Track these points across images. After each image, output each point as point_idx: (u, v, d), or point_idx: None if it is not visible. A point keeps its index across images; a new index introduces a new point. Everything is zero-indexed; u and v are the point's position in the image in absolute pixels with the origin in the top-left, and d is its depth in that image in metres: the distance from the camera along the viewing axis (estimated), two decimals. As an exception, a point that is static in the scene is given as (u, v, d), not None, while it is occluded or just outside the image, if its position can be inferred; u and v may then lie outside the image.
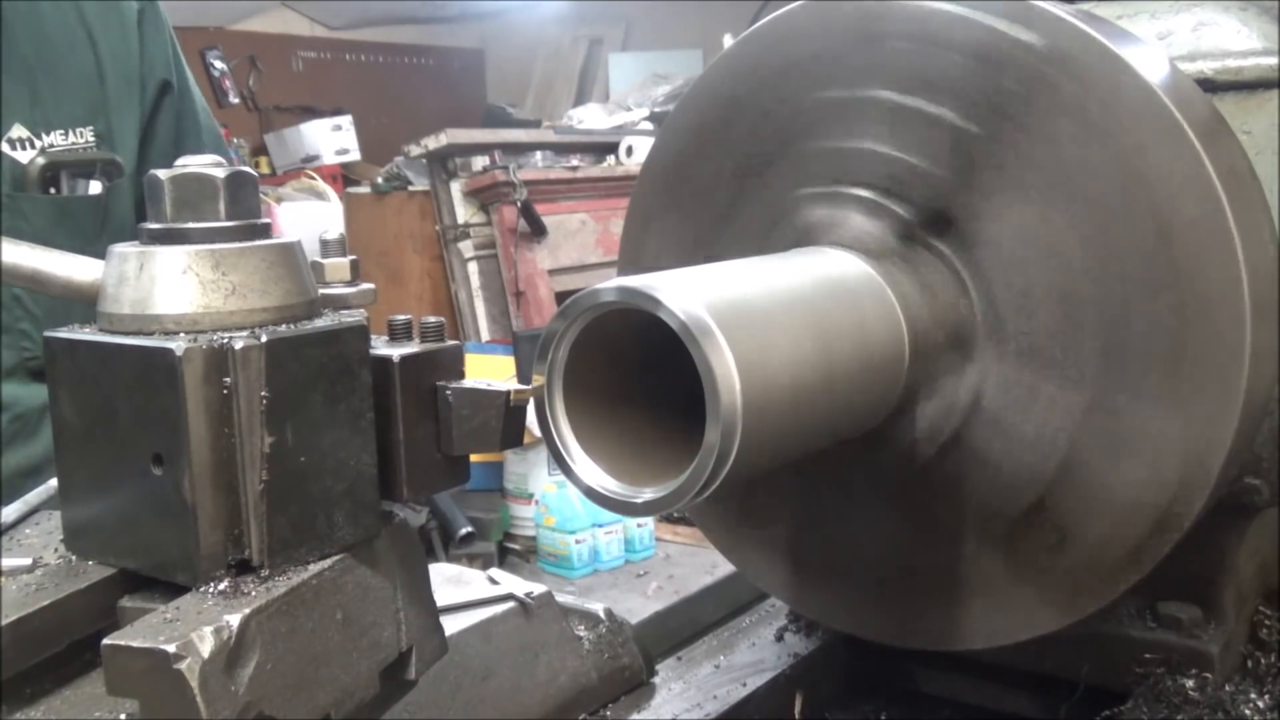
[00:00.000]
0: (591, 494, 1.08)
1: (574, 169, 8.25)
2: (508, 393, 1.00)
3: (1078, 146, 1.23)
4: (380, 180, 8.59)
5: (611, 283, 1.04)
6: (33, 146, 1.98)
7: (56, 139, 2.02)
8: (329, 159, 10.19)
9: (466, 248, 7.94)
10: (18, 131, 1.98)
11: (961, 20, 1.28)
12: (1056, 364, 1.27)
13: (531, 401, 1.03)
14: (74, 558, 0.96)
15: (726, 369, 0.99)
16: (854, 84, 1.36)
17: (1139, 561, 1.27)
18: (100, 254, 2.08)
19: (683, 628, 1.96)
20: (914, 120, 1.32)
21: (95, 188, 2.05)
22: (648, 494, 1.05)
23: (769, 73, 1.43)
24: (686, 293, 1.02)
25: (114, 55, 2.09)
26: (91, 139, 2.06)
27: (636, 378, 1.13)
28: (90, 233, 2.04)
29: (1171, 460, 1.23)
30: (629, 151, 8.41)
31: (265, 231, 0.95)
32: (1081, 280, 1.25)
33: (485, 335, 7.87)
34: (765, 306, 1.11)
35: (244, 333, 0.88)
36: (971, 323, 1.31)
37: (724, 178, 1.48)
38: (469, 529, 6.42)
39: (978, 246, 1.30)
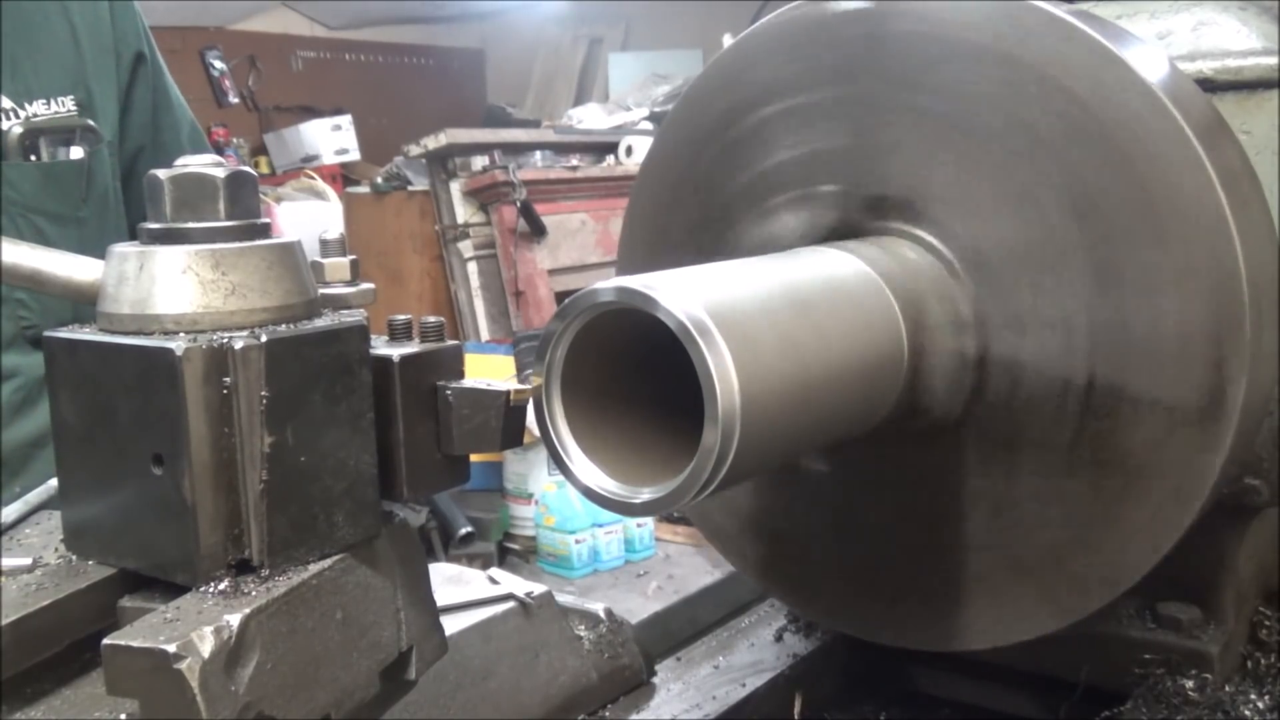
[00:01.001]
0: (590, 494, 1.08)
1: (574, 169, 8.25)
2: (508, 393, 1.00)
3: (1084, 155, 1.23)
4: (380, 180, 8.59)
5: (609, 283, 1.04)
6: (16, 117, 2.01)
7: (39, 109, 2.04)
8: (329, 159, 10.18)
9: (466, 248, 7.95)
10: (3, 102, 2.00)
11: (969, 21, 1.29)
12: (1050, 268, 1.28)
13: (531, 401, 1.03)
14: (74, 558, 0.96)
15: (725, 369, 0.99)
16: (823, 85, 1.39)
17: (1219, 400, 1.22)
18: (87, 218, 2.11)
19: (682, 628, 1.96)
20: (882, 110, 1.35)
21: (77, 153, 2.08)
22: (646, 494, 1.05)
23: (753, 78, 1.44)
24: (684, 293, 1.02)
25: (87, 24, 2.13)
26: (73, 108, 2.09)
27: (635, 378, 1.13)
28: (76, 197, 2.08)
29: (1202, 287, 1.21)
30: (629, 151, 8.41)
31: (265, 231, 0.95)
32: (1075, 276, 1.25)
33: (485, 335, 7.87)
34: (763, 306, 1.11)
35: (244, 333, 0.88)
36: (955, 277, 1.32)
37: (721, 179, 1.48)
38: (469, 529, 6.42)
39: (932, 219, 1.33)
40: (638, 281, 1.03)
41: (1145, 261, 1.22)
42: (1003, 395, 1.31)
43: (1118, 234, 1.23)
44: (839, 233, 1.39)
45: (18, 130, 2.00)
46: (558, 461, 1.08)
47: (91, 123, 2.10)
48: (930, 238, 1.33)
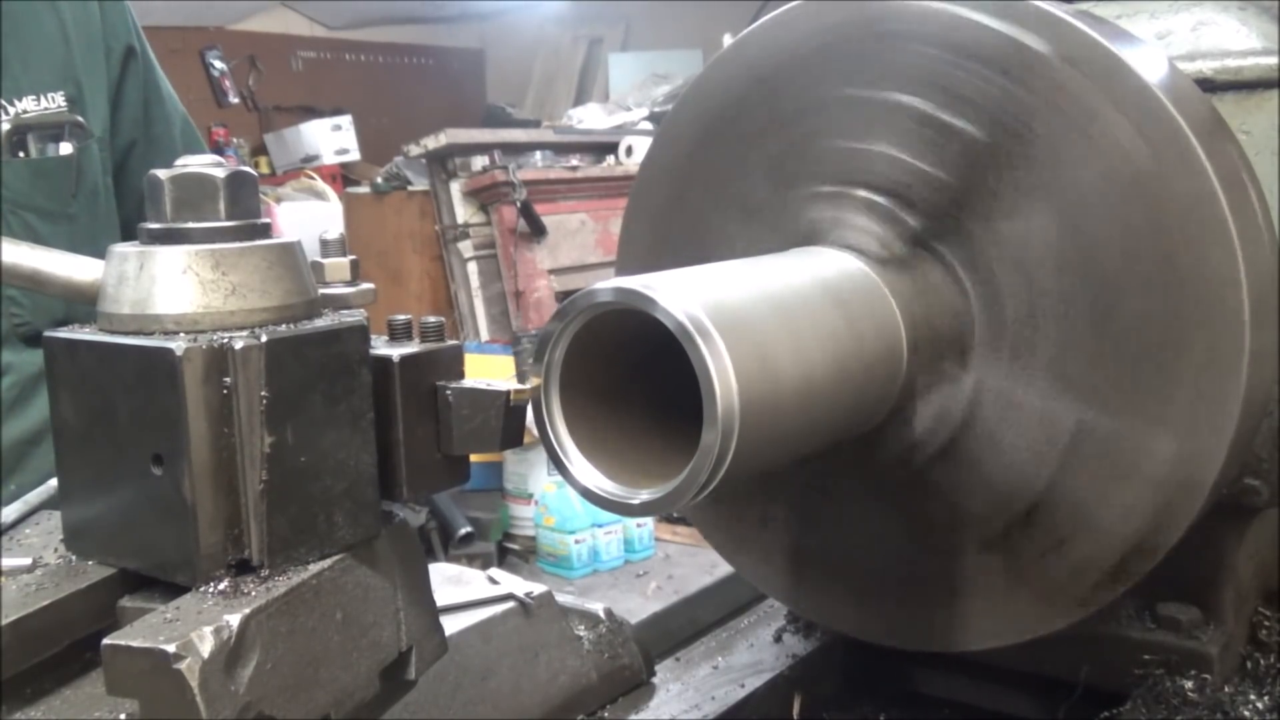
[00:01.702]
0: (588, 495, 1.07)
1: (574, 169, 8.26)
2: (508, 393, 1.00)
3: (1083, 156, 1.23)
4: (380, 180, 8.60)
5: (608, 283, 1.04)
6: (6, 114, 2.01)
7: (29, 105, 2.04)
8: (329, 159, 10.19)
9: (466, 248, 7.95)
10: None
11: (974, 24, 1.27)
12: (1054, 360, 1.27)
13: (530, 402, 1.03)
14: (74, 558, 0.96)
15: (724, 370, 0.99)
16: (867, 84, 1.36)
17: (1122, 576, 1.28)
18: (77, 214, 2.11)
19: (681, 628, 1.96)
20: (927, 126, 1.31)
21: (66, 149, 2.09)
22: (645, 495, 1.05)
23: (770, 71, 1.42)
24: (684, 293, 1.01)
25: (76, 20, 2.13)
26: (63, 103, 2.09)
27: (634, 378, 1.13)
28: (66, 192, 2.09)
29: (1160, 483, 1.24)
30: (629, 151, 8.42)
31: (265, 231, 0.95)
32: (1079, 282, 1.25)
33: (485, 335, 7.88)
34: (763, 307, 1.11)
35: (244, 333, 0.88)
36: (970, 329, 1.31)
37: (721, 178, 1.48)
38: (469, 529, 6.42)
39: (981, 253, 1.30)
40: (636, 282, 1.02)
41: (1145, 273, 1.22)
42: (999, 399, 1.31)
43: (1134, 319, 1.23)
44: (858, 233, 1.37)
45: (6, 127, 2.01)
46: (556, 462, 1.08)
47: (80, 118, 2.10)
48: (942, 247, 1.33)
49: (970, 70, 1.27)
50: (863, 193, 1.35)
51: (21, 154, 2.04)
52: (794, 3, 1.41)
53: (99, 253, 1.03)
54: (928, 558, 1.41)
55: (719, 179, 1.48)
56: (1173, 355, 1.21)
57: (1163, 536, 1.25)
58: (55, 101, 2.08)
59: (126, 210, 2.24)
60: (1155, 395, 1.23)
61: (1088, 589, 1.30)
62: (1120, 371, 1.24)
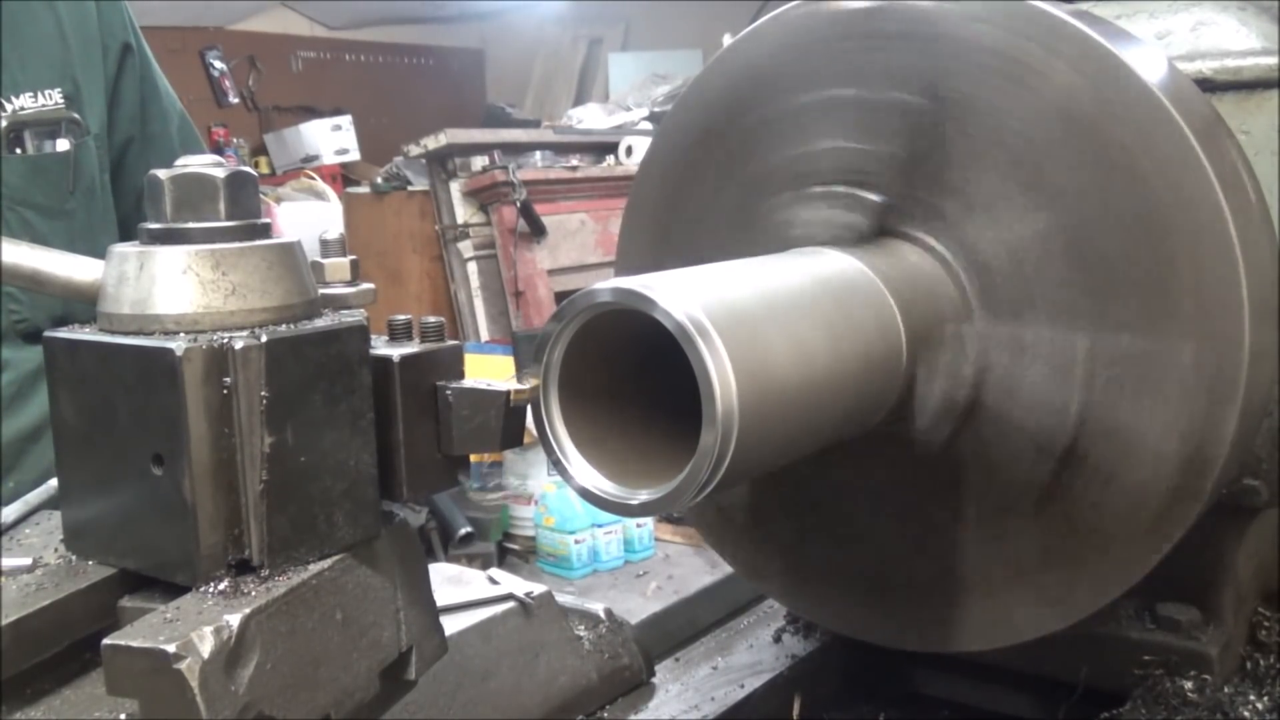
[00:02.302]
0: (587, 495, 1.07)
1: (573, 169, 8.26)
2: (508, 393, 1.00)
3: (1062, 140, 1.23)
4: (380, 180, 8.60)
5: (607, 283, 1.03)
6: (3, 111, 2.01)
7: (26, 102, 2.05)
8: (328, 159, 10.19)
9: (466, 248, 7.96)
10: None
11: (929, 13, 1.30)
12: (1054, 312, 1.27)
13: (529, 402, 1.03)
14: (74, 558, 0.96)
15: (723, 370, 0.99)
16: (825, 85, 1.38)
17: (1182, 502, 1.24)
18: (74, 210, 2.11)
19: (681, 629, 1.96)
20: (876, 110, 1.34)
21: (63, 145, 2.09)
22: (644, 495, 1.05)
23: (756, 76, 1.43)
24: (682, 293, 1.01)
25: (73, 17, 2.13)
26: (60, 100, 2.09)
27: (633, 378, 1.13)
28: (63, 189, 2.09)
29: (1190, 391, 1.21)
30: (628, 151, 8.42)
31: (265, 231, 0.95)
32: (1074, 272, 1.25)
33: (485, 335, 7.88)
34: (761, 306, 1.11)
35: (244, 333, 0.88)
36: (962, 294, 1.31)
37: (720, 178, 1.48)
38: (469, 529, 6.42)
39: (954, 225, 1.31)
40: (636, 282, 1.02)
41: (1145, 274, 1.22)
42: (998, 406, 1.31)
43: (1117, 242, 1.23)
44: (856, 231, 1.38)
45: (3, 124, 2.01)
46: (555, 463, 1.08)
47: (76, 115, 2.10)
48: (938, 245, 1.33)
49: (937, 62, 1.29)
50: (839, 188, 1.37)
51: (19, 151, 2.04)
52: (790, 4, 1.41)
53: (97, 250, 1.03)
54: (928, 556, 1.40)
55: (714, 181, 1.49)
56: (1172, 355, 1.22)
57: (1213, 448, 1.22)
58: (52, 99, 2.08)
59: (124, 207, 2.25)
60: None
61: (1153, 518, 1.26)
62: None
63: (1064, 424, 1.28)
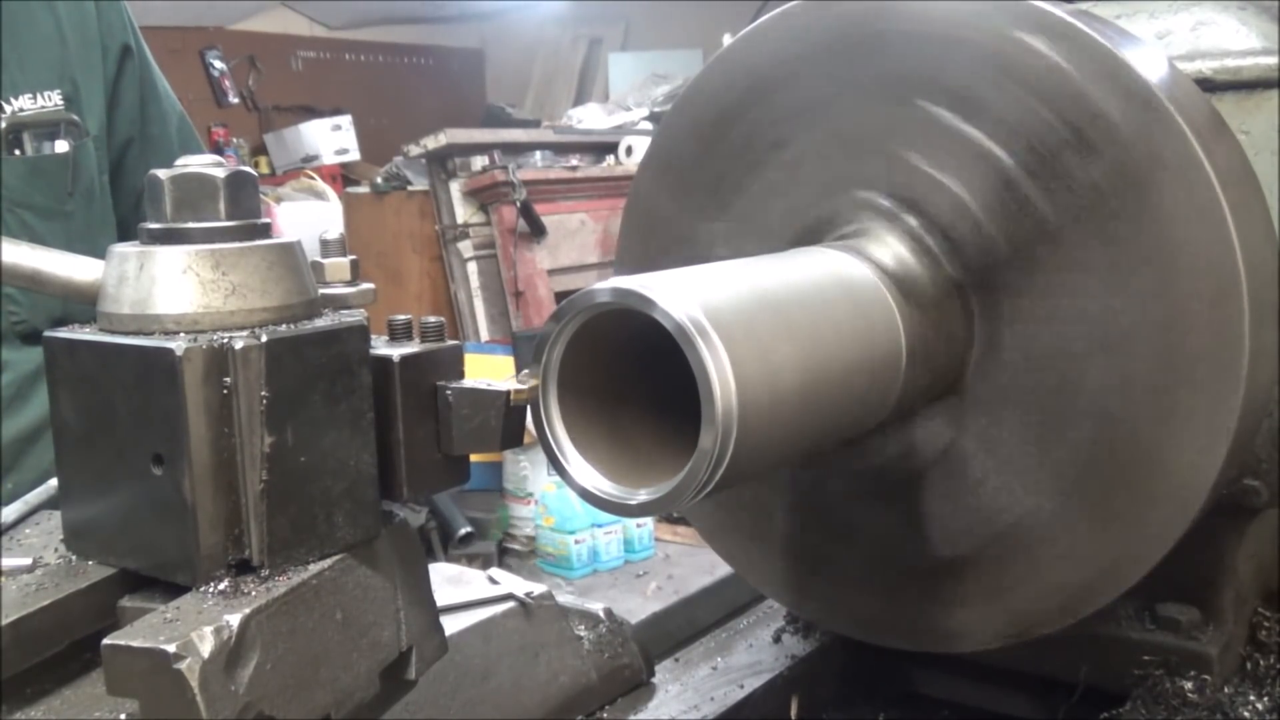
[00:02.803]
0: (586, 495, 1.07)
1: (573, 169, 8.26)
2: (508, 393, 1.00)
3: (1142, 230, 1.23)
4: (379, 180, 8.60)
5: (606, 283, 1.03)
6: (3, 112, 2.01)
7: (25, 103, 2.05)
8: (328, 159, 10.18)
9: (466, 248, 7.95)
10: None
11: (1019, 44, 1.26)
12: (1021, 458, 1.30)
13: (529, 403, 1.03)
14: (74, 558, 0.96)
15: (722, 371, 0.99)
16: (815, 86, 1.37)
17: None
18: (73, 212, 2.11)
19: (680, 629, 1.96)
20: (1007, 188, 1.28)
21: (62, 147, 2.09)
22: (642, 496, 1.05)
23: (756, 75, 1.43)
24: (682, 293, 1.01)
25: (73, 19, 2.13)
26: (59, 102, 2.09)
27: (633, 378, 1.13)
28: (62, 190, 2.09)
29: (1086, 569, 1.28)
30: (628, 151, 8.42)
31: (265, 231, 0.95)
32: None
33: (484, 335, 7.88)
34: (762, 307, 1.11)
35: (244, 333, 0.88)
36: (964, 373, 1.32)
37: (719, 178, 1.48)
38: (468, 529, 6.42)
39: (1002, 310, 1.30)
40: (635, 282, 1.02)
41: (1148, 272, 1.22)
42: (997, 405, 1.31)
43: (1118, 241, 1.23)
44: (859, 232, 1.37)
45: (2, 125, 2.01)
46: (554, 463, 1.08)
47: (76, 117, 2.10)
48: (935, 244, 1.33)
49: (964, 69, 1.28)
50: (912, 219, 1.33)
51: (18, 152, 2.04)
52: (792, 2, 1.41)
53: (95, 251, 1.03)
54: (927, 556, 1.41)
55: (715, 179, 1.48)
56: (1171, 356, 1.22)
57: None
58: (51, 100, 2.08)
59: (123, 209, 2.25)
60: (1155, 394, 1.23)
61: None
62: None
63: (986, 532, 1.33)
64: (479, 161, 7.91)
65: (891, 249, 1.32)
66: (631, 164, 8.16)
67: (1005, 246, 1.28)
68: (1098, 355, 1.25)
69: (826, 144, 1.39)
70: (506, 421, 1.00)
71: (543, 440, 1.08)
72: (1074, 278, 1.25)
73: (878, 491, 1.42)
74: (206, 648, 0.80)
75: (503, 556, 6.60)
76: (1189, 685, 1.49)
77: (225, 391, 0.86)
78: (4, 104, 2.02)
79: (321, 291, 1.00)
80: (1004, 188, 1.27)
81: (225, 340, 0.87)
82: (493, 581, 1.59)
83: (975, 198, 1.29)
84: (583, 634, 1.62)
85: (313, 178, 9.58)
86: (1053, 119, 1.24)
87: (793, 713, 1.65)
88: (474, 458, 1.04)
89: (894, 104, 1.33)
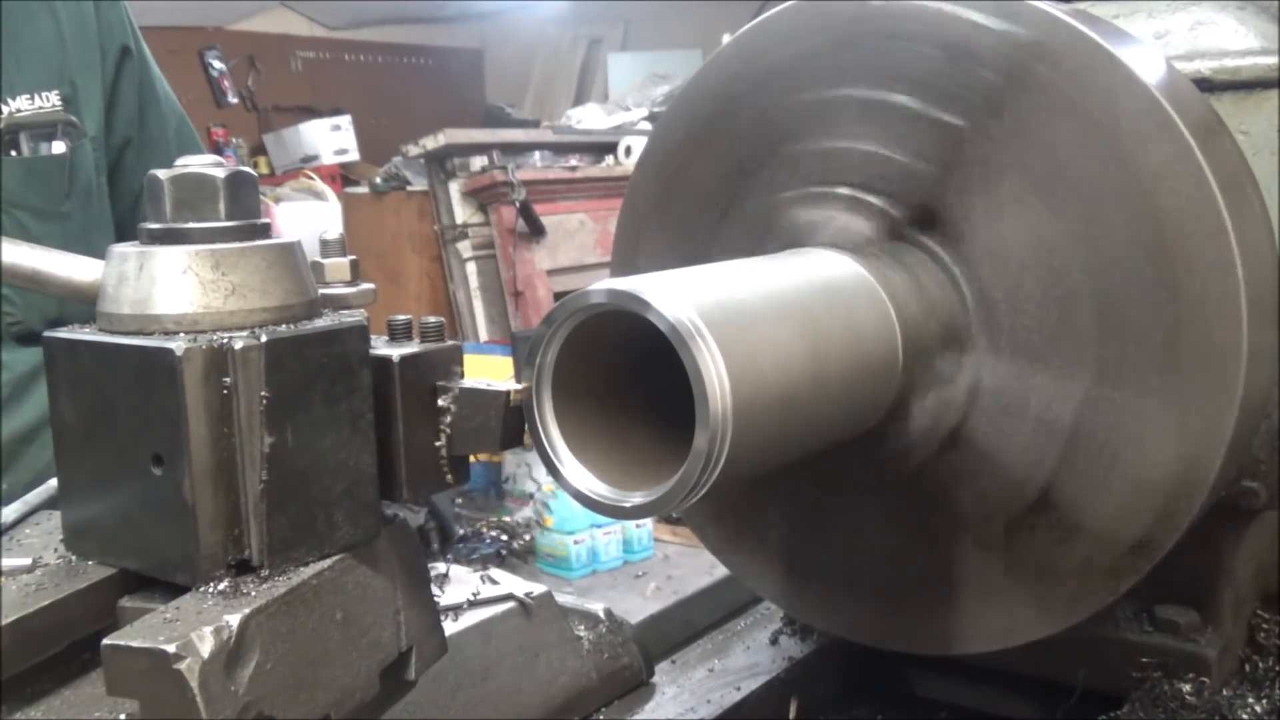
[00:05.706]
0: (580, 497, 1.07)
1: (573, 169, 8.25)
2: (507, 393, 1.00)
3: (1071, 145, 1.23)
4: (379, 180, 8.59)
5: (600, 285, 1.03)
6: (0, 113, 2.00)
7: (23, 104, 2.04)
8: (328, 159, 10.17)
9: (465, 248, 7.95)
10: None
11: (938, 14, 1.29)
12: (1052, 355, 1.27)
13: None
14: (74, 558, 0.96)
15: (717, 372, 0.99)
16: (832, 84, 1.37)
17: (1144, 553, 1.26)
18: (70, 213, 2.11)
19: (677, 630, 1.96)
20: (896, 116, 1.32)
21: (59, 148, 2.09)
22: (637, 498, 1.05)
23: (756, 74, 1.43)
24: (676, 295, 1.01)
25: (72, 19, 2.13)
26: (58, 103, 2.09)
27: (627, 380, 1.13)
28: (59, 191, 2.09)
29: (1170, 449, 1.22)
30: (628, 151, 8.41)
31: (265, 231, 0.95)
32: (1076, 278, 1.24)
33: (484, 335, 7.87)
34: (756, 308, 1.11)
35: (244, 333, 0.88)
36: (964, 317, 1.31)
37: (716, 179, 1.48)
38: (465, 531, 6.41)
39: (966, 241, 1.30)
40: (629, 283, 1.02)
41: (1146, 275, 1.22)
42: (997, 395, 1.31)
43: (1116, 244, 1.23)
44: (857, 234, 1.38)
45: (0, 126, 2.01)
46: (548, 465, 1.07)
47: (73, 118, 2.10)
48: (938, 249, 1.33)
49: (952, 66, 1.28)
50: (844, 190, 1.36)
51: (14, 153, 2.04)
52: (787, 4, 1.41)
53: (92, 252, 1.03)
54: (926, 558, 1.41)
55: (711, 181, 1.48)
56: (1171, 351, 1.21)
57: (1164, 537, 1.24)
58: (50, 101, 2.08)
59: (120, 210, 2.24)
60: (1155, 391, 1.23)
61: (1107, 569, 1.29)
62: (1118, 359, 1.24)
63: (1033, 481, 1.30)
64: (478, 162, 7.90)
65: (860, 231, 1.34)
66: (631, 164, 8.14)
67: (930, 167, 1.31)
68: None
69: (813, 145, 1.40)
70: (506, 422, 1.00)
71: (537, 443, 1.07)
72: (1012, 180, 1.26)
73: (883, 484, 1.42)
74: (206, 648, 0.80)
75: (503, 556, 6.59)
76: (1187, 687, 1.49)
77: (225, 391, 0.86)
78: (1, 104, 2.02)
79: (321, 292, 1.00)
80: (911, 120, 1.31)
81: (225, 340, 0.87)
82: (492, 581, 1.59)
83: (890, 146, 1.33)
84: (582, 634, 1.62)
85: (312, 178, 9.57)
86: (925, 49, 1.29)
87: (791, 714, 1.65)
88: (474, 458, 1.04)
89: (862, 100, 1.35)
